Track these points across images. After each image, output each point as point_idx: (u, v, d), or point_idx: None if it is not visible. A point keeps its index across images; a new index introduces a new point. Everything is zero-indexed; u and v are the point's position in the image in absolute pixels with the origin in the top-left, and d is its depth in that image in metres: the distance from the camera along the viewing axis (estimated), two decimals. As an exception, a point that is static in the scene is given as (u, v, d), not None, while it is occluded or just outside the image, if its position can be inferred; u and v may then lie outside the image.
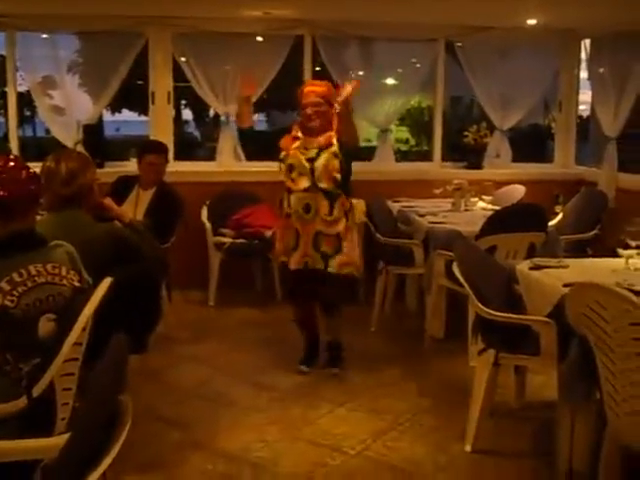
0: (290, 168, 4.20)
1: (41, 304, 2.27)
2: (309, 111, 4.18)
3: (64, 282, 2.36)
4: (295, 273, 4.27)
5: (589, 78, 6.92)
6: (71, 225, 2.87)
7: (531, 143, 11.71)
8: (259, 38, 6.57)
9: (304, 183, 4.16)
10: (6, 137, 6.63)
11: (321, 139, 4.19)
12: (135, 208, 4.89)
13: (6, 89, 6.44)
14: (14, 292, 2.22)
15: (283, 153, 4.25)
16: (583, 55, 6.95)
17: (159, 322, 3.47)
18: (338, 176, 4.15)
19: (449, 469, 3.32)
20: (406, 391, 4.19)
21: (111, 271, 2.65)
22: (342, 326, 4.49)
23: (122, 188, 5.03)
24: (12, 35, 6.26)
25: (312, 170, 4.14)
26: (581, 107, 7.60)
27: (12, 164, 2.35)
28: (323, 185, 4.15)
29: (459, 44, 6.88)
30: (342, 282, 4.27)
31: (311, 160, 4.16)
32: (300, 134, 4.26)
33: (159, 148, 5.19)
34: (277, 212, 4.37)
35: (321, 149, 4.18)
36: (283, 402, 3.98)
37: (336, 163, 4.14)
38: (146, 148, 5.22)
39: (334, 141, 4.18)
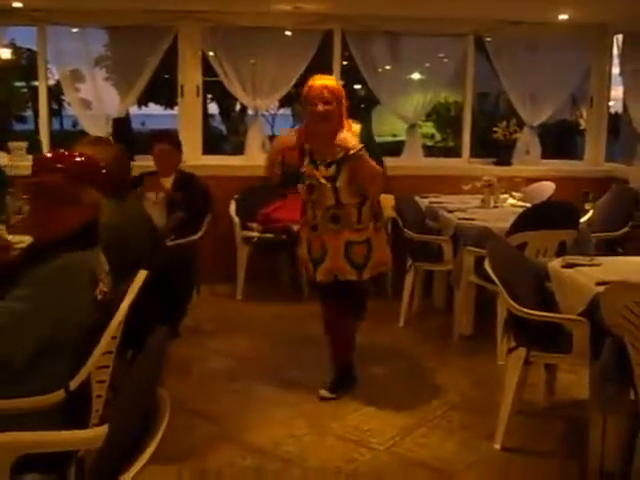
0: (310, 189, 3.80)
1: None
2: (321, 108, 3.64)
3: (109, 277, 2.46)
4: (322, 285, 3.93)
5: (621, 74, 6.86)
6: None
7: (558, 139, 11.62)
8: (288, 32, 6.58)
9: (328, 202, 3.76)
10: (37, 130, 6.71)
11: (336, 150, 3.68)
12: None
13: (37, 83, 6.51)
14: (106, 280, 2.38)
15: (302, 168, 3.79)
16: (615, 51, 6.88)
17: (189, 305, 3.52)
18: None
19: (478, 466, 3.30)
20: (435, 388, 4.18)
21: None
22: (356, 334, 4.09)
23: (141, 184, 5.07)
24: (43, 29, 6.33)
25: (335, 190, 3.73)
26: (610, 103, 7.51)
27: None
28: (348, 201, 3.76)
29: (488, 39, 6.83)
30: (374, 279, 4.00)
31: (332, 179, 3.73)
32: (307, 146, 3.79)
33: (168, 137, 5.28)
34: (301, 219, 3.97)
35: (339, 163, 3.70)
36: (312, 397, 3.97)
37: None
38: (156, 137, 5.32)
39: (350, 145, 3.63)
